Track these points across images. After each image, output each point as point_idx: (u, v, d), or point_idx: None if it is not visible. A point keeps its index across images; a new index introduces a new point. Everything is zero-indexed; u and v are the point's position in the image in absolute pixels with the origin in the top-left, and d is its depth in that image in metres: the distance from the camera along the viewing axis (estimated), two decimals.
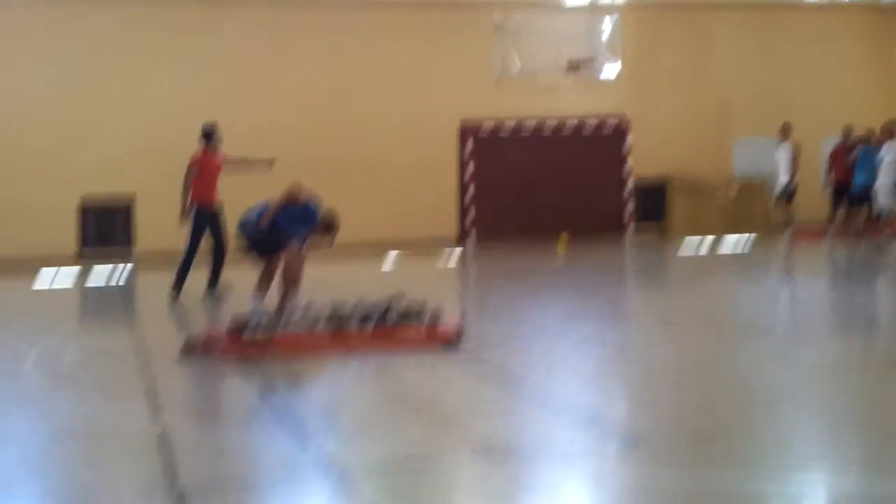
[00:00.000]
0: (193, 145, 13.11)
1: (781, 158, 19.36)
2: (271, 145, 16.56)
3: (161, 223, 19.14)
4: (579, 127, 21.63)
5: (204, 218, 12.66)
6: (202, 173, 12.68)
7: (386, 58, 20.83)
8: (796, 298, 12.95)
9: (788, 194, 19.26)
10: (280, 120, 19.27)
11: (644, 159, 21.83)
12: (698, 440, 5.91)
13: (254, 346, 8.89)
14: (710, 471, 5.37)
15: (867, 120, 20.24)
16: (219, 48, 20.06)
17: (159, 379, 8.09)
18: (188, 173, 12.70)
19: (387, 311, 9.51)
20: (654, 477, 5.30)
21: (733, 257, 17.54)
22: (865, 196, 18.35)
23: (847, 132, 19.26)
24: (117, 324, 11.51)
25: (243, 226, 9.97)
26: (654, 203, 22.19)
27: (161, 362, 8.76)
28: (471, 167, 21.07)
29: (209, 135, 12.99)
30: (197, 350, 8.82)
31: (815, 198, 21.34)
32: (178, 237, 18.23)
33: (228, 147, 13.50)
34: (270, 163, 13.35)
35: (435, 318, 9.47)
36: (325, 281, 14.09)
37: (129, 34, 19.74)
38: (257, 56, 20.27)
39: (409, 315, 9.52)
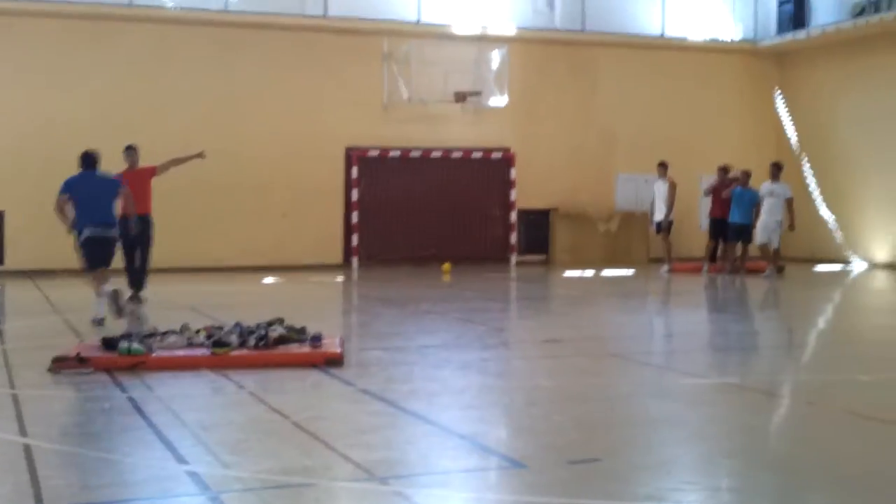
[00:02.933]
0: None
1: (659, 194, 19.85)
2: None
3: (32, 239, 18.58)
4: (465, 156, 21.73)
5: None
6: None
7: (273, 80, 20.59)
8: (673, 329, 13.20)
9: (665, 228, 19.80)
10: (163, 140, 17.80)
11: (528, 190, 22.05)
12: (579, 463, 5.93)
13: (127, 360, 8.64)
14: (589, 492, 5.38)
15: (744, 158, 20.88)
16: (100, 65, 19.49)
17: (28, 392, 7.79)
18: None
19: (266, 331, 9.36)
20: (536, 498, 5.27)
21: (613, 288, 17.80)
22: (741, 232, 18.91)
23: (724, 170, 19.82)
24: None
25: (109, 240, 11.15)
26: (537, 233, 22.44)
27: (30, 375, 8.47)
28: (356, 192, 20.95)
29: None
30: (69, 363, 8.51)
31: (692, 233, 21.93)
32: (49, 253, 17.67)
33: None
34: (201, 154, 15.03)
35: (315, 340, 9.34)
36: (205, 303, 13.82)
37: (1, 47, 19.14)
38: (140, 74, 19.74)
39: (290, 336, 9.38)
